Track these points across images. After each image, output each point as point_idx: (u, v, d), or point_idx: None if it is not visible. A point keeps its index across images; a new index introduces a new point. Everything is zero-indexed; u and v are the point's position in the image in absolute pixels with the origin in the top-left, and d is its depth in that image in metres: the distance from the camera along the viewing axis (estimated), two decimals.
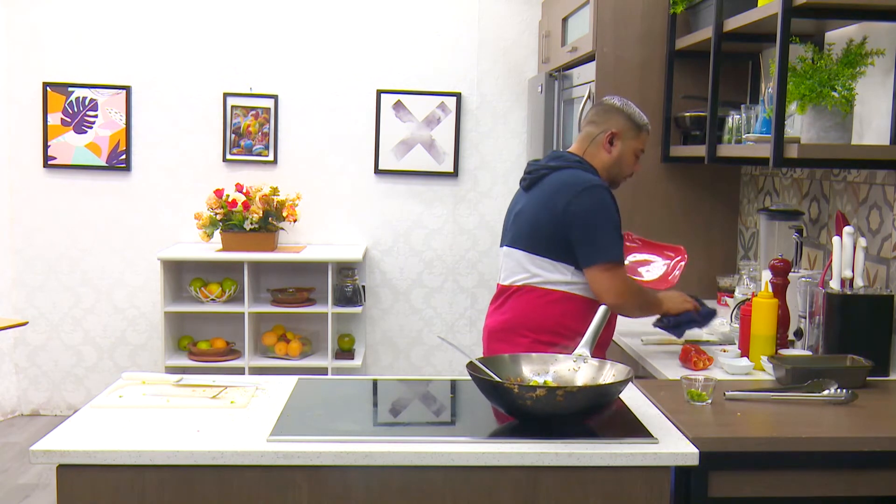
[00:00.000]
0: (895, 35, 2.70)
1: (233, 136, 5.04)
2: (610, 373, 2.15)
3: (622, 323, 3.21)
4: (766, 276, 2.73)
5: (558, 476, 1.92)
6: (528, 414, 2.01)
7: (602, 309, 2.43)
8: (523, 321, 2.68)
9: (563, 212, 2.60)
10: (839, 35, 2.94)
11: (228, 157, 5.04)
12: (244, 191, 4.86)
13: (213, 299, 4.84)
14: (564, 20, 4.31)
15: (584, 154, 2.75)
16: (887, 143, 2.73)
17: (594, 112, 2.79)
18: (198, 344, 4.89)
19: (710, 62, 3.18)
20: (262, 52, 5.02)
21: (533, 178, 2.75)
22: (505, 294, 2.76)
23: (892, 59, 2.71)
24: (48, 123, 4.96)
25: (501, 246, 2.85)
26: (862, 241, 2.54)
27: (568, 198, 2.60)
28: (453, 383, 2.49)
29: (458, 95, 5.06)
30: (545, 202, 2.65)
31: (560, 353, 2.41)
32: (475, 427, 2.13)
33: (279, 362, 4.84)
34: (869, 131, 2.85)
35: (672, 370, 2.59)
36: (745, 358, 2.61)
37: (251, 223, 4.77)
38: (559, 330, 2.63)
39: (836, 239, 2.55)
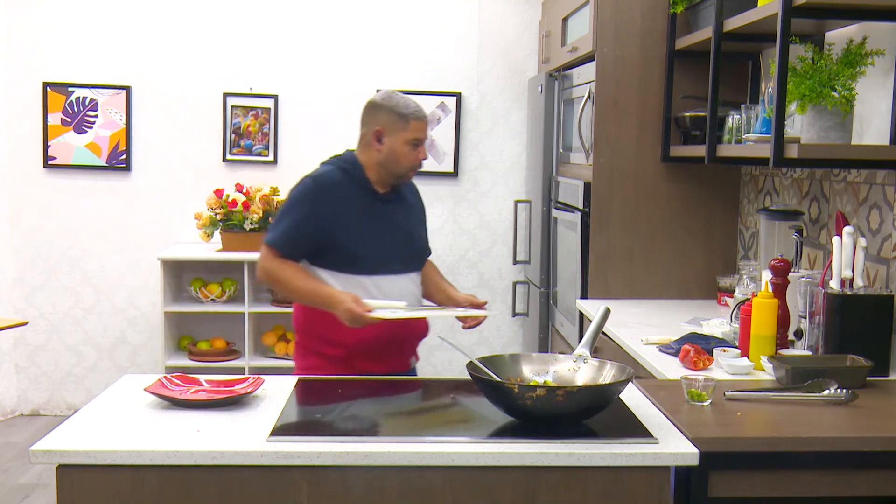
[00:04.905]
0: (895, 35, 2.70)
1: (233, 136, 5.04)
2: (610, 373, 2.15)
3: (622, 323, 3.21)
4: (766, 276, 2.73)
5: (558, 476, 1.92)
6: (528, 414, 2.01)
7: (602, 309, 2.43)
8: (295, 323, 2.86)
9: None
10: (839, 35, 2.94)
11: (228, 157, 5.05)
12: (244, 191, 4.86)
13: (213, 299, 4.84)
14: (564, 20, 4.31)
15: (360, 154, 2.78)
16: (887, 143, 2.72)
17: (363, 112, 2.80)
18: (198, 344, 4.89)
19: (710, 62, 3.18)
20: (262, 52, 5.02)
21: None
22: None
23: (892, 59, 2.71)
24: (48, 123, 4.96)
25: None
26: (862, 241, 2.54)
27: None
28: (453, 383, 2.49)
29: (458, 95, 5.06)
30: None
31: (311, 357, 2.67)
32: (475, 427, 2.13)
33: (279, 362, 4.84)
34: (869, 131, 2.85)
35: (672, 370, 2.59)
36: (745, 358, 2.61)
37: (251, 223, 4.77)
38: (304, 333, 2.80)
39: (836, 239, 2.55)
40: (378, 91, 2.83)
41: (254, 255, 4.67)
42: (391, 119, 2.70)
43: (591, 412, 2.04)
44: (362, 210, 2.71)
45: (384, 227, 2.74)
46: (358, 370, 2.69)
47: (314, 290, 2.65)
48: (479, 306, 2.78)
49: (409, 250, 2.82)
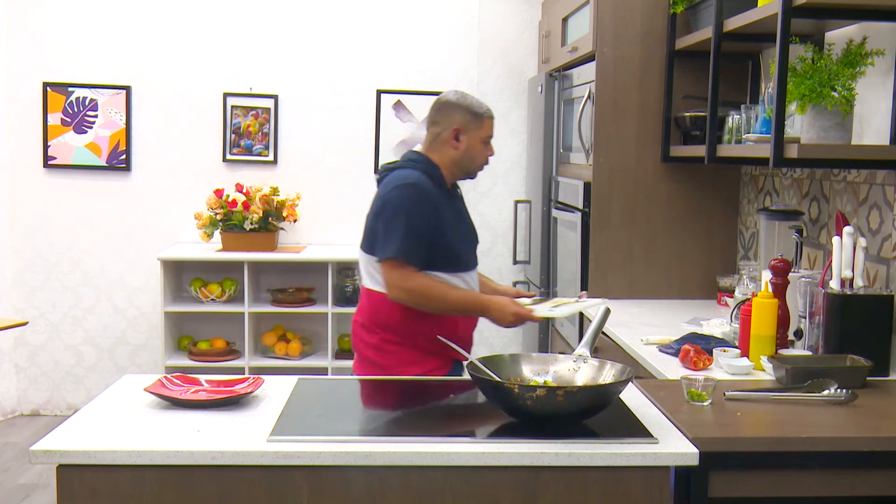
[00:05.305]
0: (895, 35, 2.70)
1: (233, 136, 5.04)
2: (610, 373, 2.15)
3: (622, 323, 3.21)
4: (766, 276, 2.73)
5: (558, 476, 1.92)
6: (528, 414, 2.01)
7: (602, 309, 2.44)
8: (374, 319, 2.79)
9: (374, 212, 2.73)
10: (839, 35, 2.94)
11: (228, 157, 5.05)
12: (244, 191, 4.86)
13: (213, 299, 4.84)
14: (564, 20, 4.31)
15: (431, 153, 2.80)
16: (887, 143, 2.73)
17: (434, 111, 2.83)
18: (198, 344, 4.89)
19: (710, 62, 3.18)
20: (262, 52, 5.02)
21: (378, 180, 2.84)
22: (362, 293, 2.87)
23: (892, 59, 2.71)
24: (48, 123, 4.96)
25: None
26: (862, 241, 2.54)
27: (381, 197, 2.72)
28: (453, 383, 2.49)
29: None
30: (372, 204, 2.77)
31: (409, 352, 2.67)
32: (475, 427, 2.13)
33: (279, 362, 4.84)
34: (869, 131, 2.85)
35: (672, 370, 2.59)
36: (745, 358, 2.61)
37: (251, 223, 4.77)
38: (404, 331, 2.74)
39: (836, 239, 2.55)
40: (446, 92, 2.88)
41: (253, 255, 4.73)
42: (467, 118, 2.77)
43: (591, 412, 2.04)
44: (449, 210, 2.78)
45: (463, 224, 2.87)
46: (448, 359, 2.76)
47: (468, 298, 2.72)
48: (530, 297, 2.91)
49: (476, 243, 2.95)
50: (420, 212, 2.66)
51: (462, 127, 2.76)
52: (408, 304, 2.68)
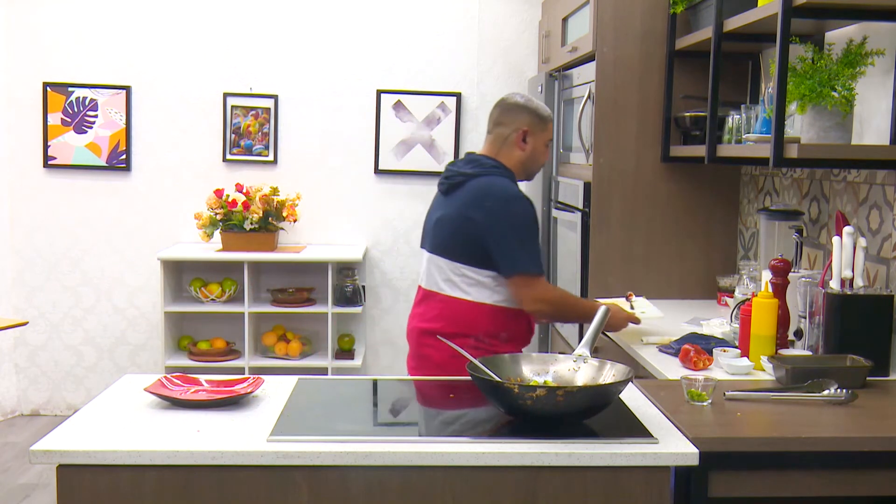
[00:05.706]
0: (895, 35, 2.70)
1: (233, 136, 5.04)
2: (610, 373, 2.15)
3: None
4: (766, 276, 2.73)
5: (558, 476, 1.92)
6: (528, 414, 2.01)
7: (602, 309, 2.44)
8: (457, 328, 2.73)
9: (481, 223, 2.66)
10: (839, 35, 2.94)
11: (228, 157, 5.05)
12: (244, 191, 4.87)
13: (213, 299, 4.84)
14: (564, 20, 4.31)
15: (498, 155, 2.80)
16: (887, 143, 2.73)
17: (498, 113, 2.83)
18: (198, 344, 4.89)
19: (710, 62, 3.18)
20: (262, 52, 5.02)
21: (451, 183, 2.79)
22: (432, 299, 2.81)
23: (892, 59, 2.71)
24: (48, 123, 4.97)
25: (422, 247, 2.92)
26: (862, 241, 2.54)
27: (486, 209, 2.66)
28: (453, 383, 2.49)
29: (458, 95, 5.06)
30: (464, 211, 2.71)
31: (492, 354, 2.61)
32: (475, 427, 2.13)
33: (279, 362, 4.84)
34: (869, 131, 2.85)
35: (672, 370, 2.59)
36: (745, 358, 2.61)
37: (251, 223, 4.77)
38: (489, 338, 2.72)
39: (836, 239, 2.55)
40: (510, 94, 2.89)
41: (253, 255, 4.73)
42: (534, 120, 2.80)
43: (591, 412, 2.04)
44: None
45: None
46: None
47: (591, 305, 2.80)
48: None
49: None
50: (533, 222, 2.71)
51: (530, 129, 2.79)
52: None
